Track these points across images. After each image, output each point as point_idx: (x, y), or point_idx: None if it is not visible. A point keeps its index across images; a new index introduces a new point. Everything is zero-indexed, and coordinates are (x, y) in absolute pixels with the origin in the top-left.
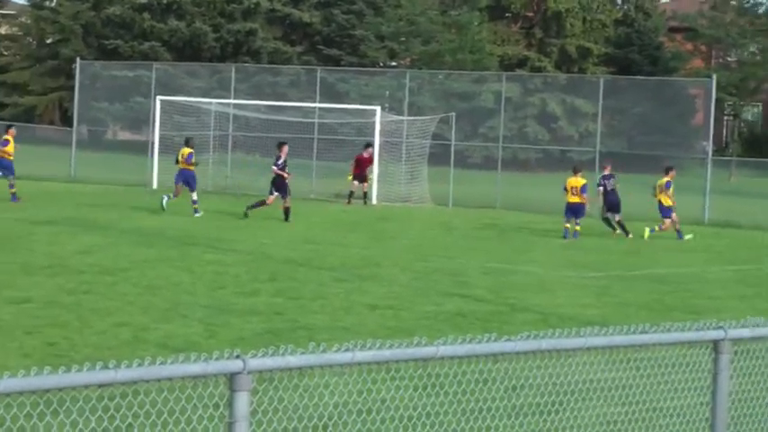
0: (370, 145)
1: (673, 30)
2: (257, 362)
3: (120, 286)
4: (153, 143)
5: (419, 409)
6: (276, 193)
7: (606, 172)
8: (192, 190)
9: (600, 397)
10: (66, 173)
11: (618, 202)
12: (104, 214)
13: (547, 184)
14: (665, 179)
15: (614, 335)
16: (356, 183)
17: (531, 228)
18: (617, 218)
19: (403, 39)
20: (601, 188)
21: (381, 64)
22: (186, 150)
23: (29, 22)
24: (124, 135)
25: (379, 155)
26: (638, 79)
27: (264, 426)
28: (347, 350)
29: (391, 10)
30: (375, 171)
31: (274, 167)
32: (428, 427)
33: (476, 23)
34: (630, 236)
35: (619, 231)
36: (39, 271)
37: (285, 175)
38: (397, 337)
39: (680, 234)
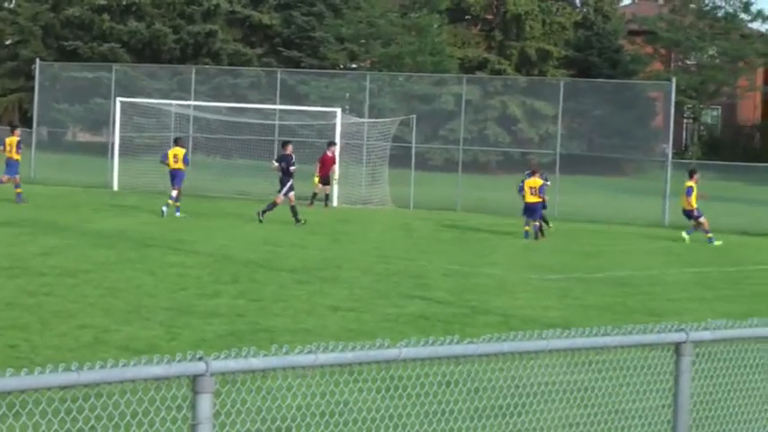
0: (333, 143)
1: (632, 33)
2: (220, 364)
3: (81, 288)
4: (113, 144)
5: (381, 411)
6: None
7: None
8: (177, 188)
9: (562, 399)
10: (26, 174)
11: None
12: (65, 216)
13: (507, 187)
14: (689, 183)
15: (576, 337)
16: (320, 185)
17: (491, 230)
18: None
19: (363, 41)
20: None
21: (341, 66)
22: (181, 151)
23: None
24: (84, 137)
25: (340, 157)
26: (597, 82)
27: (228, 428)
28: (310, 352)
29: (351, 12)
30: (336, 173)
31: (293, 168)
32: (391, 430)
33: (436, 26)
34: (551, 227)
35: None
36: None
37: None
38: (360, 340)
39: (692, 230)
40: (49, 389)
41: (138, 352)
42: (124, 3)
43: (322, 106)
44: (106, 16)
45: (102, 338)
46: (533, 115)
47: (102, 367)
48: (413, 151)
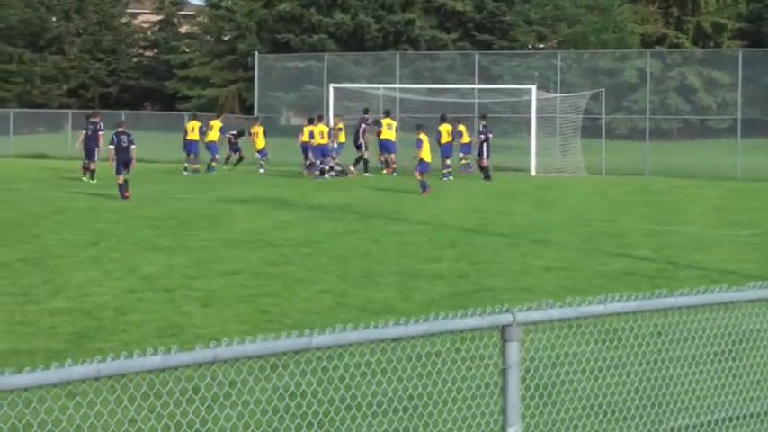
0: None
1: None
2: (524, 315)
3: (316, 257)
4: (328, 126)
5: (607, 360)
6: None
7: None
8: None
9: None
10: (249, 156)
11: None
12: (290, 193)
13: (688, 152)
14: None
15: None
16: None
17: (680, 192)
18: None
19: (550, 22)
20: (482, 136)
21: (530, 46)
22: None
23: (207, 21)
24: (296, 121)
25: (536, 130)
26: None
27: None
28: (600, 302)
29: None
30: (532, 145)
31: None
32: (615, 377)
33: (617, 5)
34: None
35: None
36: (241, 245)
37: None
38: (574, 295)
39: None
40: (382, 341)
41: (376, 313)
42: None
43: (513, 84)
44: (314, 10)
45: (342, 301)
46: (710, 84)
47: (425, 320)
48: (603, 122)
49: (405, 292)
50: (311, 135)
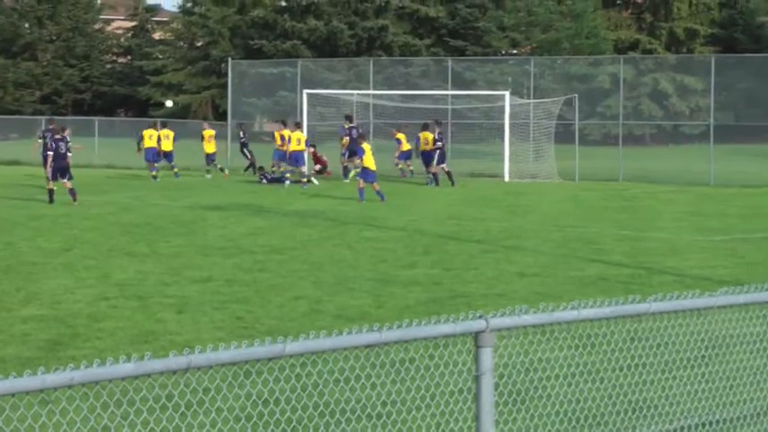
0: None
1: None
2: (498, 321)
3: (290, 264)
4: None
5: (580, 366)
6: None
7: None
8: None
9: (746, 350)
10: (223, 163)
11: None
12: (265, 199)
13: (662, 157)
14: None
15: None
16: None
17: (653, 197)
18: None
19: (523, 28)
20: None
21: (504, 52)
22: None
23: (180, 27)
24: (269, 126)
25: (509, 136)
26: (743, 57)
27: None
28: (573, 309)
29: (511, 2)
30: (506, 151)
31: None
32: (589, 383)
33: (590, 11)
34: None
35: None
36: (215, 252)
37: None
38: (548, 301)
39: None
40: (356, 347)
41: (351, 319)
42: (303, 3)
43: (487, 90)
44: (287, 16)
45: (317, 308)
46: (683, 90)
47: (399, 327)
48: (576, 127)
49: (379, 298)
50: (285, 140)
